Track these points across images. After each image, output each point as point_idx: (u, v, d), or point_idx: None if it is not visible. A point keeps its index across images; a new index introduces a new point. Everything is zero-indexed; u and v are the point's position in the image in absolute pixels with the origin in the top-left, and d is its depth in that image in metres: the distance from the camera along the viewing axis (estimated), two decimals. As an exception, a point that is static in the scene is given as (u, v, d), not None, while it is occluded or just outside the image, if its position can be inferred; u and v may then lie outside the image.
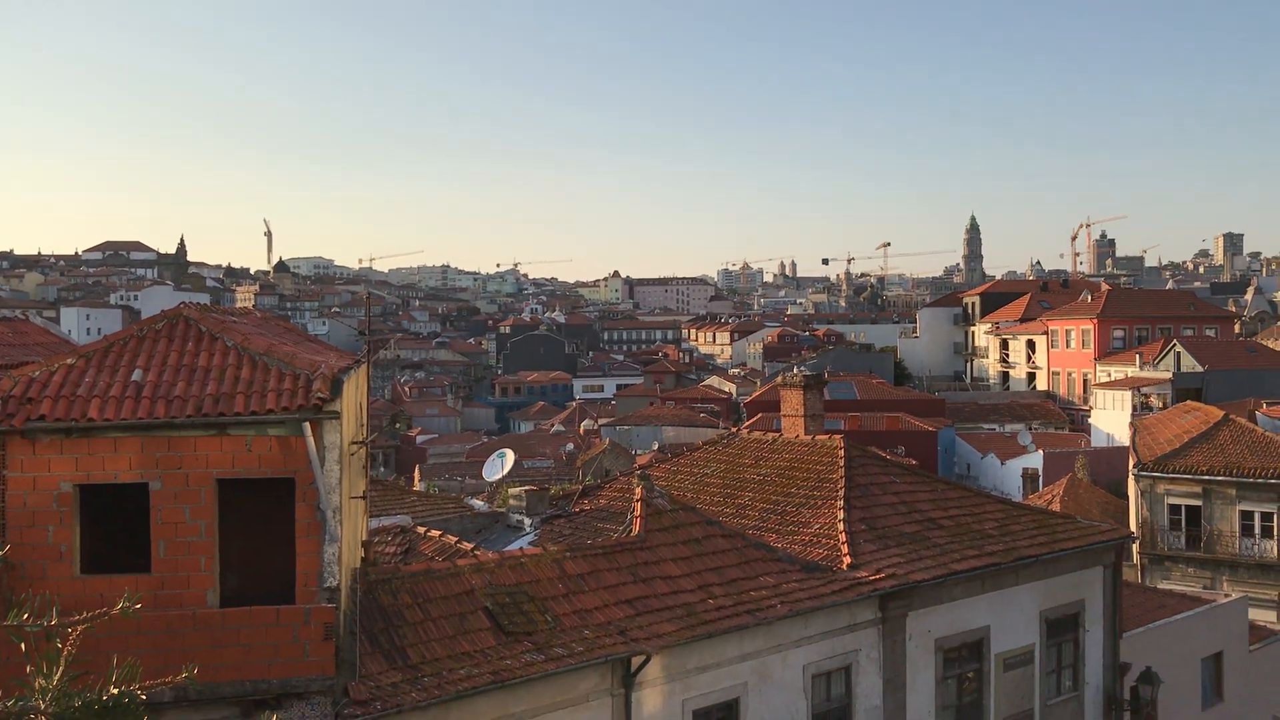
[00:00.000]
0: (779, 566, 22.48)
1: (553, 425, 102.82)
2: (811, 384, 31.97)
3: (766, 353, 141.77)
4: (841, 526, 24.57)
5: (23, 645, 2.84)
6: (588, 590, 19.90)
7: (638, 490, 23.18)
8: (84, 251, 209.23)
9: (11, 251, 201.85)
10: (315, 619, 15.72)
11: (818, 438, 29.22)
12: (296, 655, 15.59)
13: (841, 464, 26.99)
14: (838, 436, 28.93)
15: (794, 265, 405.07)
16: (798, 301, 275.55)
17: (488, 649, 17.88)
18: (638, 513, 22.40)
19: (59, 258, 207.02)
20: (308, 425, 16.19)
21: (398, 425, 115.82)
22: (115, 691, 3.16)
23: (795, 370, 38.76)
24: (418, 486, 66.06)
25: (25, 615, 2.81)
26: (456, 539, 23.90)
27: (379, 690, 16.31)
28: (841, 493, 25.84)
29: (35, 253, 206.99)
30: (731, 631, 20.18)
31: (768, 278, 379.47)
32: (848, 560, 23.35)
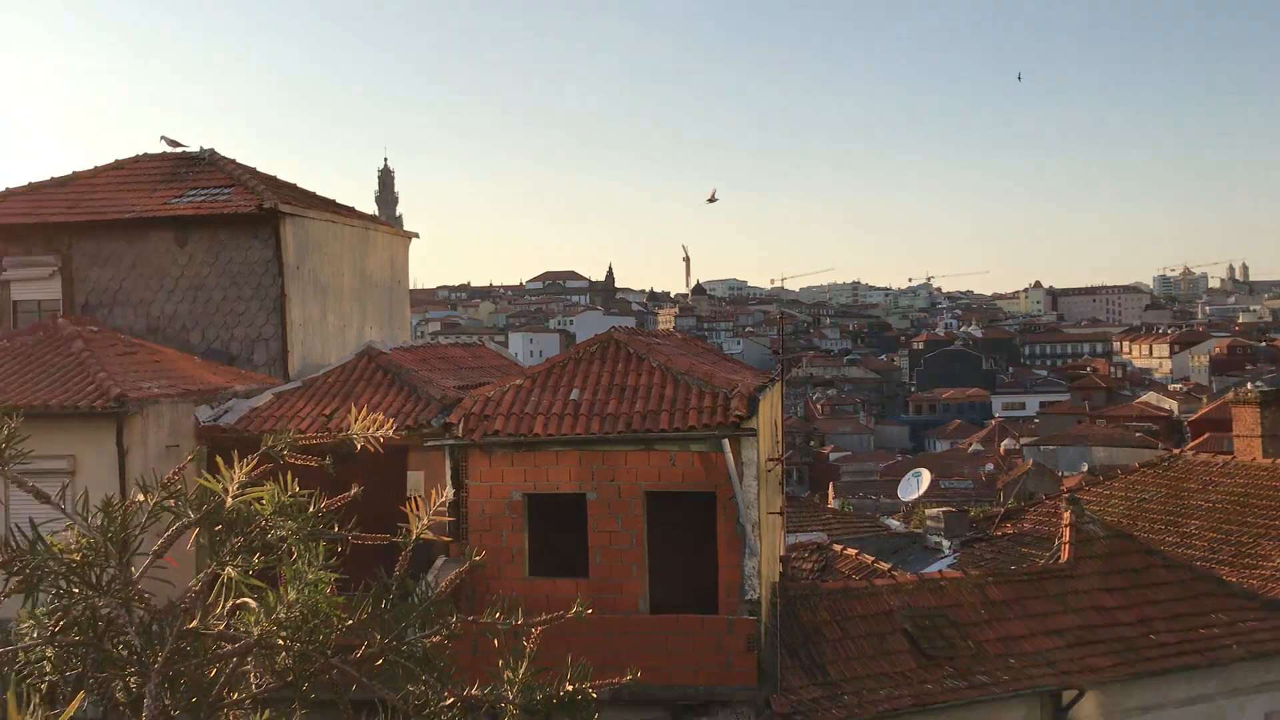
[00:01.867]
0: (1234, 603, 20.29)
1: (970, 444, 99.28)
2: (1271, 400, 28.65)
3: (1213, 366, 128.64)
4: (1311, 561, 21.76)
5: (495, 641, 3.18)
6: (1012, 618, 19.01)
7: (1066, 514, 21.84)
8: (527, 282, 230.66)
9: (469, 284, 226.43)
10: (738, 630, 16.22)
11: (1278, 461, 26.10)
12: (720, 664, 16.16)
13: (1309, 490, 23.92)
14: (1304, 459, 25.67)
15: (1245, 268, 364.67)
16: (1251, 309, 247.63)
17: (907, 671, 17.58)
18: (1066, 538, 21.10)
19: (507, 288, 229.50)
20: (727, 442, 16.78)
21: (812, 443, 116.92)
22: (571, 688, 3.43)
23: (1250, 385, 34.91)
24: (831, 504, 66.32)
25: (497, 614, 3.14)
26: (873, 558, 23.72)
27: (800, 704, 16.52)
28: (1310, 523, 22.89)
29: (488, 284, 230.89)
30: (1176, 672, 18.47)
31: (1213, 283, 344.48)
32: (1320, 599, 20.63)
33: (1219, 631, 19.33)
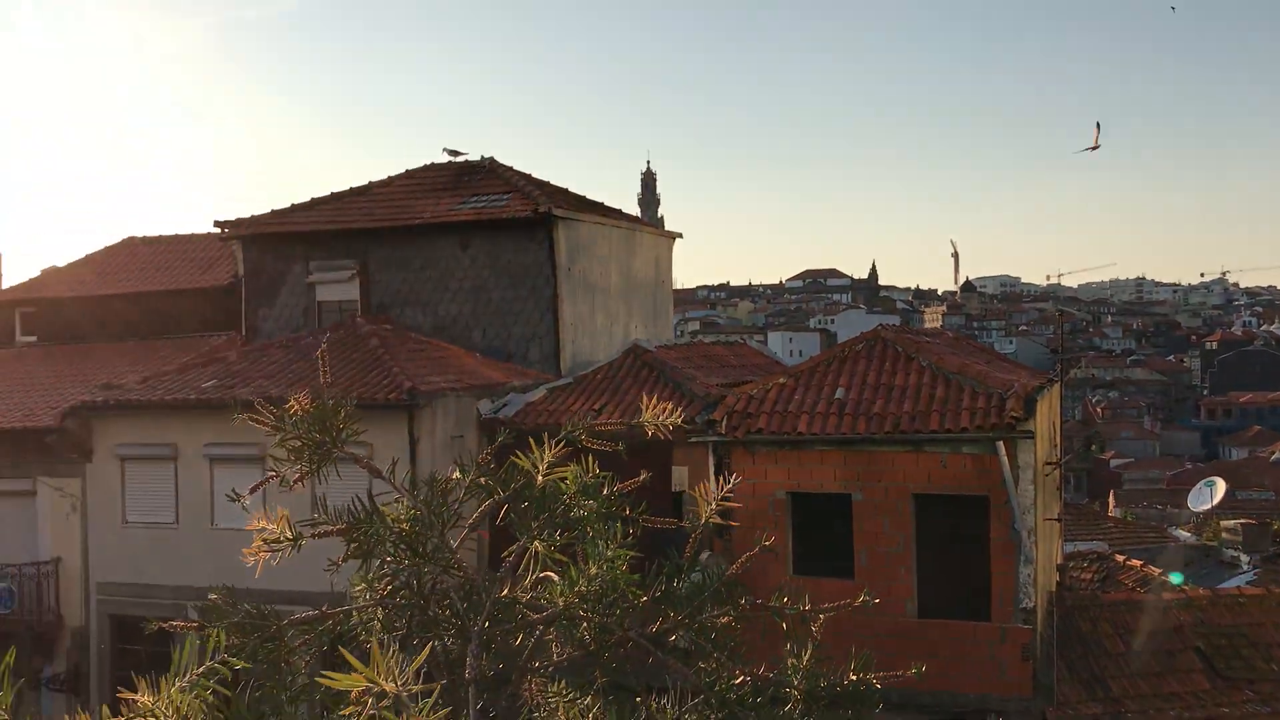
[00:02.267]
0: None
1: (1273, 453, 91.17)
2: None
3: None
4: None
5: (784, 625, 3.25)
6: (1324, 641, 17.38)
7: (1389, 530, 19.77)
8: (787, 280, 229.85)
9: (728, 283, 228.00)
10: (1011, 638, 15.64)
11: None
12: (993, 673, 15.63)
13: None
14: None
15: None
16: None
17: (1200, 691, 16.41)
18: (1389, 557, 19.10)
19: (766, 287, 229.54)
20: (1001, 444, 16.19)
21: (1092, 447, 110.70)
22: (854, 678, 3.45)
23: None
24: (1113, 513, 62.56)
25: (784, 599, 3.21)
26: (1160, 571, 22.27)
27: (1078, 718, 15.75)
28: None
29: (747, 283, 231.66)
30: None
31: None
32: None
33: None
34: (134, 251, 28.56)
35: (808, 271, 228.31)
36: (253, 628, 3.23)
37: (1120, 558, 24.06)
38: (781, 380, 18.76)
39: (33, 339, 27.01)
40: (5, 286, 29.62)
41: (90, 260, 28.58)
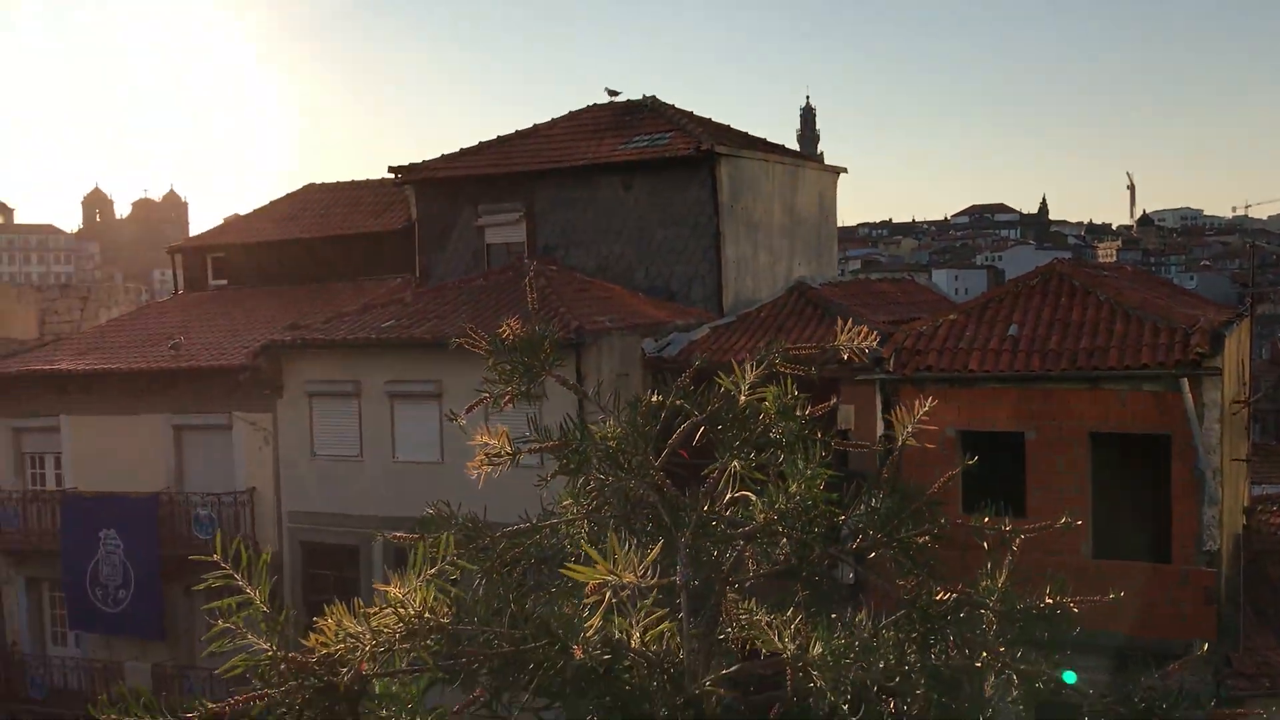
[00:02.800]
0: None
1: None
2: None
3: None
4: None
5: (985, 545, 3.29)
6: None
7: None
8: (952, 216, 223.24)
9: (890, 220, 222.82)
10: (1194, 581, 15.13)
11: None
12: (1173, 616, 15.17)
13: None
14: None
15: None
16: None
17: (1402, 644, 15.56)
18: None
19: (930, 223, 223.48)
20: (1185, 381, 15.55)
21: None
22: (1050, 601, 3.46)
23: None
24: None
25: (985, 519, 3.24)
26: (1359, 516, 21.04)
27: (1267, 665, 15.16)
28: None
29: (910, 220, 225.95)
30: None
31: None
32: None
33: None
34: (313, 198, 29.81)
35: (974, 207, 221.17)
36: (467, 539, 3.44)
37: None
38: (952, 317, 18.39)
39: (223, 283, 28.59)
40: (192, 234, 31.37)
41: (273, 207, 29.99)
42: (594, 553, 2.20)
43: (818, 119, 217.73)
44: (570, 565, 2.26)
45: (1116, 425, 16.26)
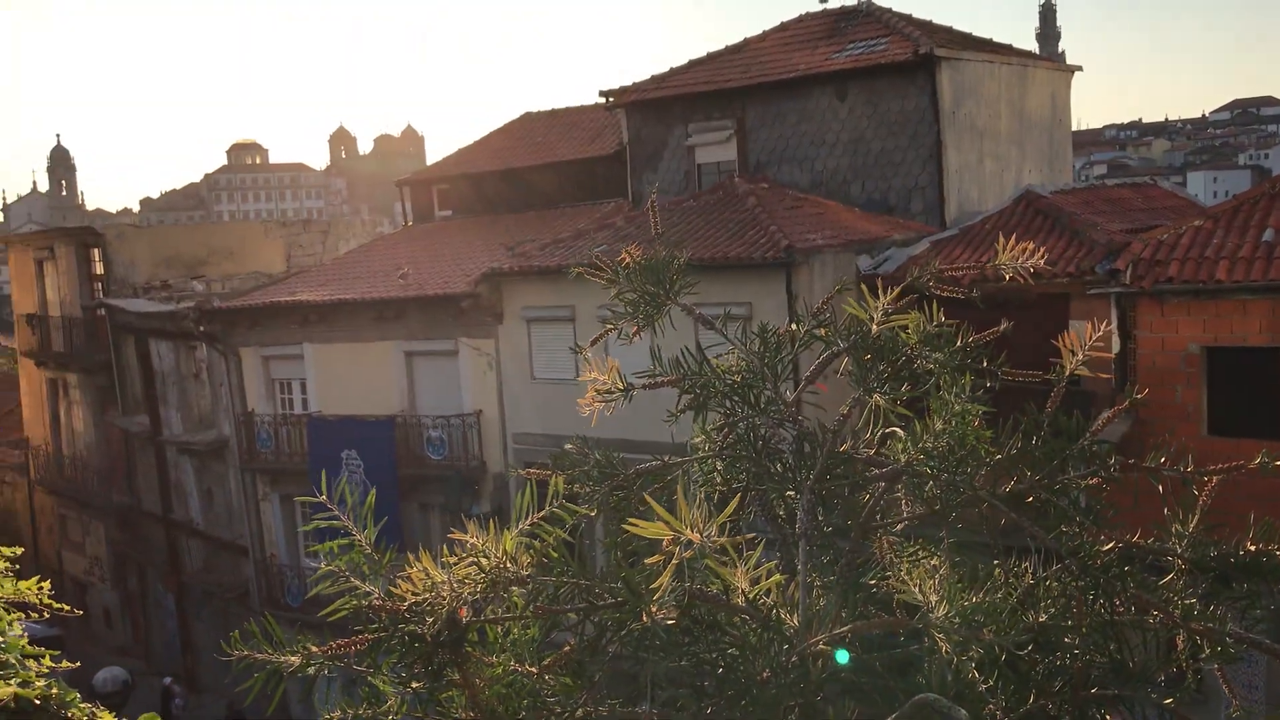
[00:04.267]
0: None
1: None
2: None
3: None
4: None
5: (1160, 488, 2.88)
6: None
7: None
8: (1211, 113, 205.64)
9: (1139, 120, 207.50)
10: None
11: None
12: None
13: None
14: None
15: None
16: None
17: None
18: None
19: (1185, 122, 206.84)
20: None
21: None
22: (1254, 548, 3.03)
23: None
24: None
25: (1163, 459, 2.83)
26: None
27: None
28: None
29: (1162, 119, 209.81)
30: None
31: None
32: None
33: None
34: (530, 127, 30.30)
35: (1236, 101, 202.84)
36: (602, 476, 3.30)
37: None
38: (1197, 223, 16.87)
39: (448, 213, 29.58)
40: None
41: (491, 138, 30.69)
42: (659, 508, 2.00)
43: (1058, 15, 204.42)
44: (633, 520, 2.08)
45: (1392, 338, 14.58)
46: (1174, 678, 3.05)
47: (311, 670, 2.78)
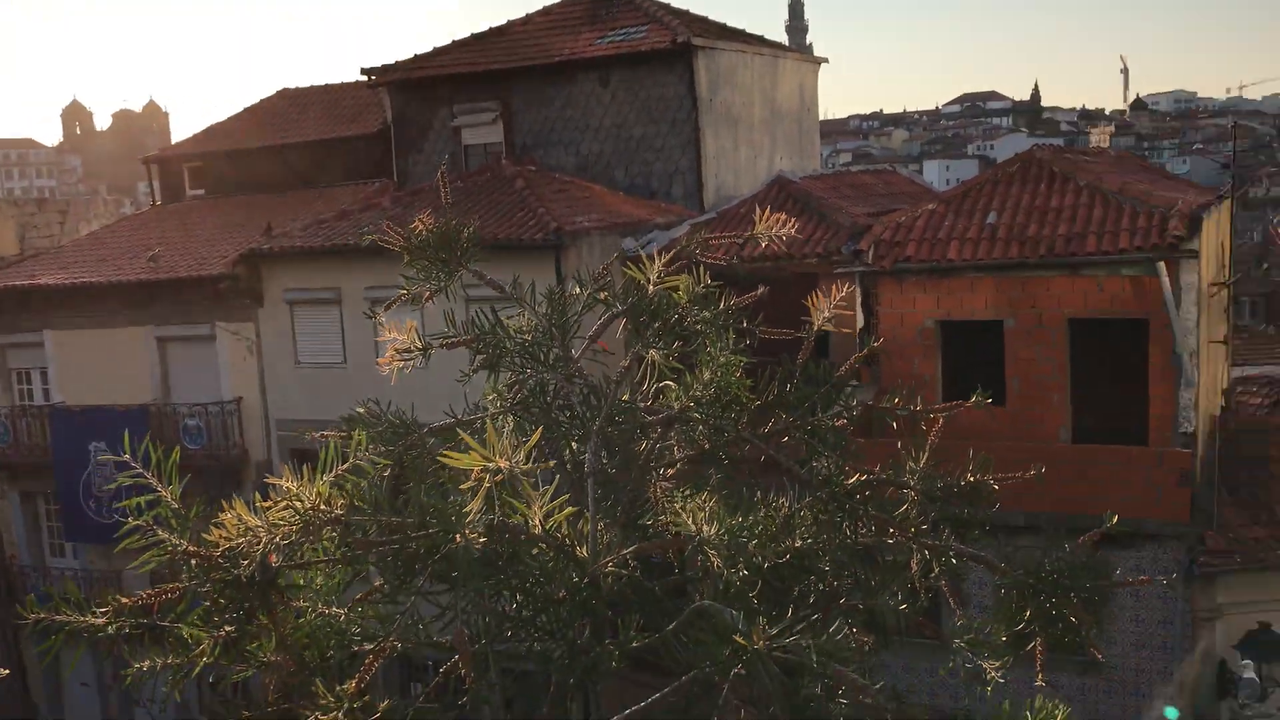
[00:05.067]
0: None
1: None
2: None
3: None
4: None
5: (894, 425, 3.33)
6: None
7: None
8: (943, 105, 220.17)
9: (880, 111, 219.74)
10: (1169, 463, 15.32)
11: None
12: (1149, 498, 15.39)
13: None
14: None
15: None
16: None
17: (1372, 517, 15.84)
18: None
19: (921, 114, 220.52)
20: (1162, 265, 15.54)
21: (1265, 267, 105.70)
22: (973, 479, 3.53)
23: None
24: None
25: (896, 400, 3.28)
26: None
27: (1238, 542, 15.46)
28: None
29: (900, 110, 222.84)
30: None
31: None
32: None
33: None
34: (288, 103, 29.35)
35: (965, 95, 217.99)
36: (395, 435, 3.48)
37: (1295, 382, 22.99)
38: (931, 207, 18.29)
39: (200, 192, 28.30)
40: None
41: (247, 114, 29.53)
42: (471, 440, 2.22)
43: (806, 8, 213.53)
44: (445, 452, 2.30)
45: (1095, 311, 16.30)
46: (911, 592, 3.53)
47: (112, 630, 2.85)
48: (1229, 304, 20.12)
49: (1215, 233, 18.28)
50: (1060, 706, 3.19)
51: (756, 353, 3.68)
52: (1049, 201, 17.28)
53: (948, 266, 16.99)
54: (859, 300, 17.96)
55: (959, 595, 3.62)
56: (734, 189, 23.54)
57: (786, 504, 3.19)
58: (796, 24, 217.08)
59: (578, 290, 3.45)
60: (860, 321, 18.12)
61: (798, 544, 2.98)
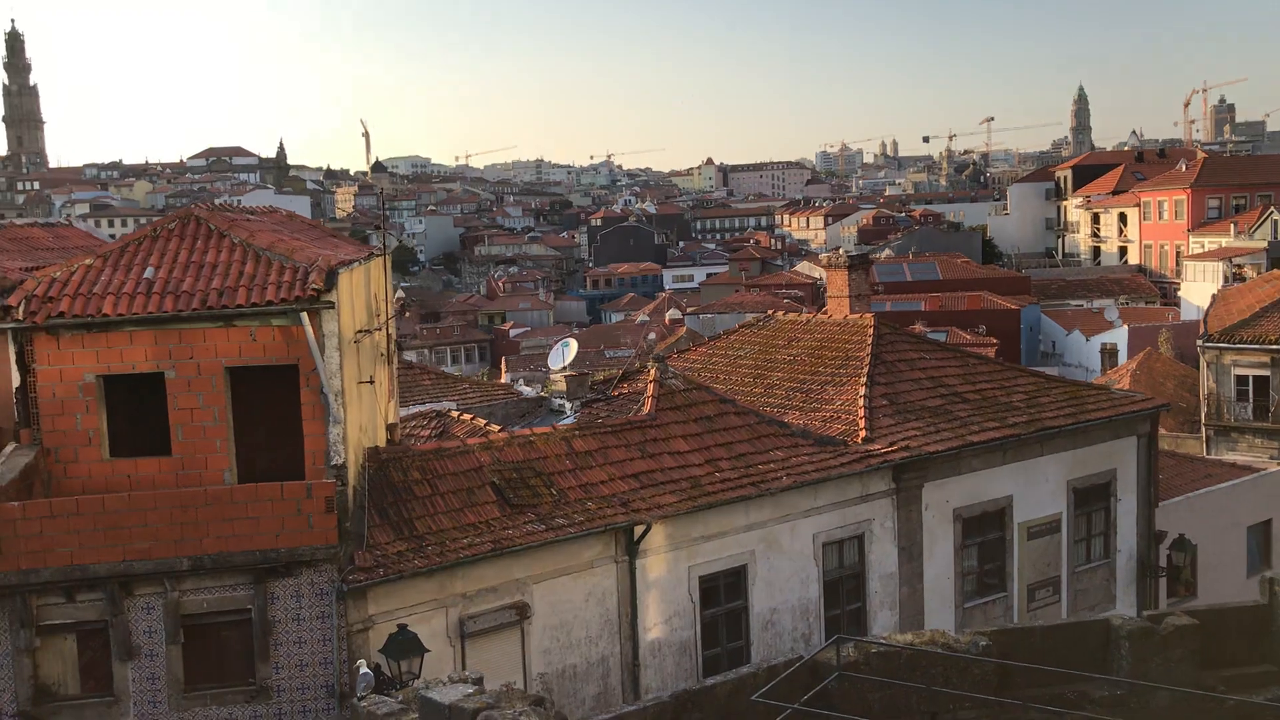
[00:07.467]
0: (790, 441, 23.02)
1: (639, 316, 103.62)
2: (856, 264, 31.91)
3: (860, 235, 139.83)
4: (862, 402, 24.92)
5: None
6: (595, 466, 20.75)
7: (651, 371, 23.82)
8: (188, 158, 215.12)
9: (120, 161, 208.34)
10: (317, 493, 16.88)
11: (849, 316, 29.34)
12: (301, 526, 16.81)
13: (869, 341, 27.16)
14: (869, 315, 29.00)
15: (895, 145, 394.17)
16: (896, 182, 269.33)
17: (492, 520, 18.93)
18: (650, 393, 23.08)
19: (165, 165, 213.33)
20: (305, 315, 17.15)
21: (492, 320, 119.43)
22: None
23: (842, 251, 38.54)
24: (504, 378, 67.88)
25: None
26: (486, 422, 24.91)
27: (384, 558, 17.50)
28: (865, 370, 26.10)
29: (143, 162, 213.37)
30: (734, 503, 20.92)
31: (867, 159, 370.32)
32: (863, 434, 23.78)
33: (774, 467, 21.95)
34: None
35: (211, 149, 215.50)
36: None
37: (459, 414, 26.48)
38: (88, 261, 18.19)
39: None
40: None
41: None
42: None
43: (28, 47, 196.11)
44: None
45: (251, 358, 17.43)
46: None
47: None
48: (390, 348, 22.61)
49: (366, 284, 20.53)
50: None
51: None
52: (205, 257, 18.15)
53: (105, 321, 17.05)
54: (12, 358, 17.26)
55: None
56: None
57: None
58: (16, 60, 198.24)
59: None
60: (17, 380, 17.41)
61: None
